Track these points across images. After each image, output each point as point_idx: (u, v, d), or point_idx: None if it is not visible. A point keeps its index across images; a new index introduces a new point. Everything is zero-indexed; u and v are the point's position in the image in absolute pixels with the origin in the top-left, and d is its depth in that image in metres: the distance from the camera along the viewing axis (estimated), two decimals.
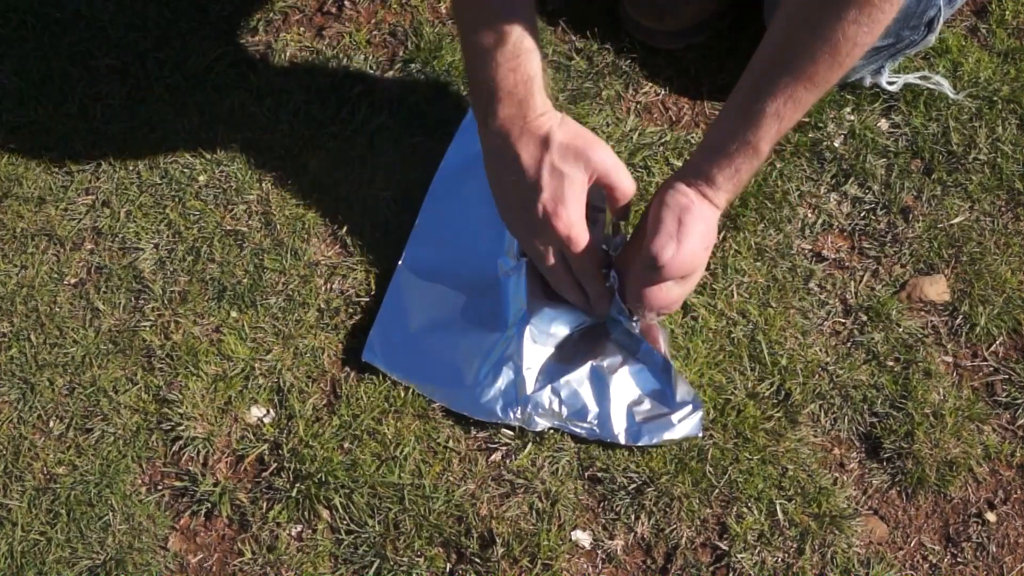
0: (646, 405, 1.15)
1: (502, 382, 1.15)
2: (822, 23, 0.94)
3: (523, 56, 1.04)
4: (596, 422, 1.14)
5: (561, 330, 1.17)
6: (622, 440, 1.13)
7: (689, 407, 1.14)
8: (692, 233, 1.04)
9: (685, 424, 1.13)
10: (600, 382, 1.15)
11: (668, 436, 1.13)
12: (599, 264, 1.13)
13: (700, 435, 1.14)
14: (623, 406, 1.14)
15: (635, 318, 1.14)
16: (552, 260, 1.11)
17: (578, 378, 1.16)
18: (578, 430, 1.14)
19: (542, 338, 1.17)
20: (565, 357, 1.17)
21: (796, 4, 0.97)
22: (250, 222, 1.28)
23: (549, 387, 1.15)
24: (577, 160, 1.06)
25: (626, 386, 1.16)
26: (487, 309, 1.19)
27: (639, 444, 1.13)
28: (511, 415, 1.14)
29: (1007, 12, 1.37)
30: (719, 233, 1.24)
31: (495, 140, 1.07)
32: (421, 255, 1.22)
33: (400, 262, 1.22)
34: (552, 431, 1.15)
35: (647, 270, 1.06)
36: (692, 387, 1.15)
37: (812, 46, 0.95)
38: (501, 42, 1.03)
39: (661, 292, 1.07)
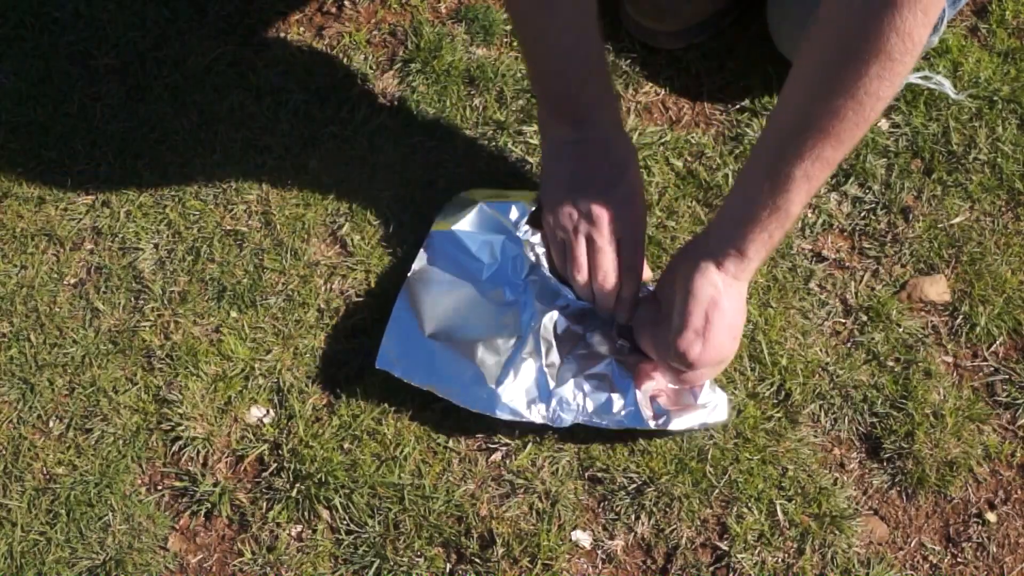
0: (669, 395, 1.14)
1: (525, 380, 1.14)
2: (844, 81, 0.93)
3: (606, 63, 1.15)
4: (624, 413, 1.13)
5: (578, 329, 1.16)
6: (652, 426, 1.12)
7: (712, 392, 1.14)
8: (719, 329, 1.06)
9: (713, 409, 1.14)
10: (623, 374, 1.15)
11: (699, 421, 1.13)
12: (641, 267, 1.16)
13: (725, 420, 1.14)
14: (647, 396, 1.14)
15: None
16: (610, 245, 1.14)
17: (601, 371, 1.15)
18: (604, 423, 1.13)
19: (561, 336, 1.16)
20: (586, 354, 1.16)
21: (815, 62, 0.96)
22: (250, 222, 1.27)
23: (572, 381, 1.14)
24: None
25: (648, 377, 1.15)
26: (502, 311, 1.18)
27: (669, 429, 1.13)
28: (536, 412, 1.13)
29: (1007, 12, 1.37)
30: None
31: (600, 132, 1.15)
32: (434, 259, 1.21)
33: (409, 274, 1.20)
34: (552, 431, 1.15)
35: (676, 363, 1.08)
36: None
37: (836, 104, 0.94)
38: (593, 47, 1.12)
39: (696, 376, 1.11)
